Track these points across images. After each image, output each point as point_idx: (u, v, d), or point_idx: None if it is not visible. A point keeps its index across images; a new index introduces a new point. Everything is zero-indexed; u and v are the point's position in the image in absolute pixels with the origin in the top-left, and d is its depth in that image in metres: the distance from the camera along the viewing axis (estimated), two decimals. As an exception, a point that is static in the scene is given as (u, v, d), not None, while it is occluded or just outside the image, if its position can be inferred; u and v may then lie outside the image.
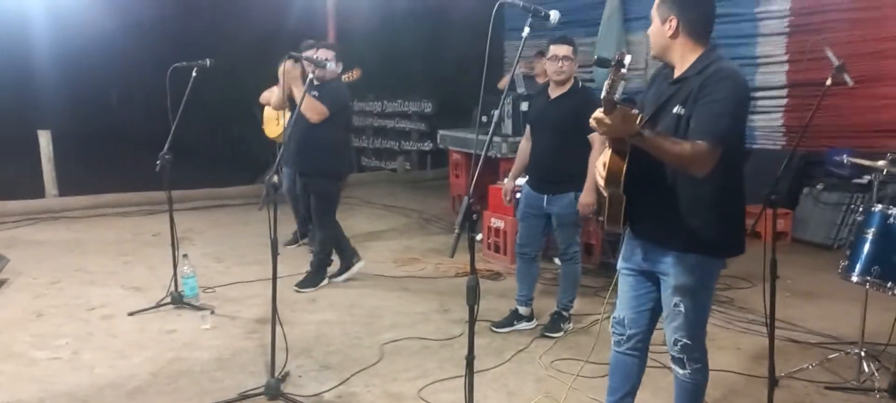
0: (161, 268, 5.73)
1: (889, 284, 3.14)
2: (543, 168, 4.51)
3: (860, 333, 3.98)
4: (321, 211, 5.49)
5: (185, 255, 5.14)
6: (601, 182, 2.67)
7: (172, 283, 5.06)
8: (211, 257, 6.42)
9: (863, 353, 3.92)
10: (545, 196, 4.48)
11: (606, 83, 2.38)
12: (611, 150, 2.60)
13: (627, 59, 2.37)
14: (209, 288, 5.44)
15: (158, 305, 4.99)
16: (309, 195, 5.52)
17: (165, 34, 8.50)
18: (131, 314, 4.87)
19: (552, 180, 4.46)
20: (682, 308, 2.73)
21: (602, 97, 2.40)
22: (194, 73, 4.95)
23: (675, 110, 2.62)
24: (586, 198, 4.30)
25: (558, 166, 4.42)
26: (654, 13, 2.73)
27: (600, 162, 2.71)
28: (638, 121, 2.44)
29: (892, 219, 3.21)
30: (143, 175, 7.12)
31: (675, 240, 2.69)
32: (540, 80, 6.93)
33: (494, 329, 4.63)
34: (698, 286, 2.72)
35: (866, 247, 3.25)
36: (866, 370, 3.86)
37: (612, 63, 2.37)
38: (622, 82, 2.42)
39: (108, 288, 5.50)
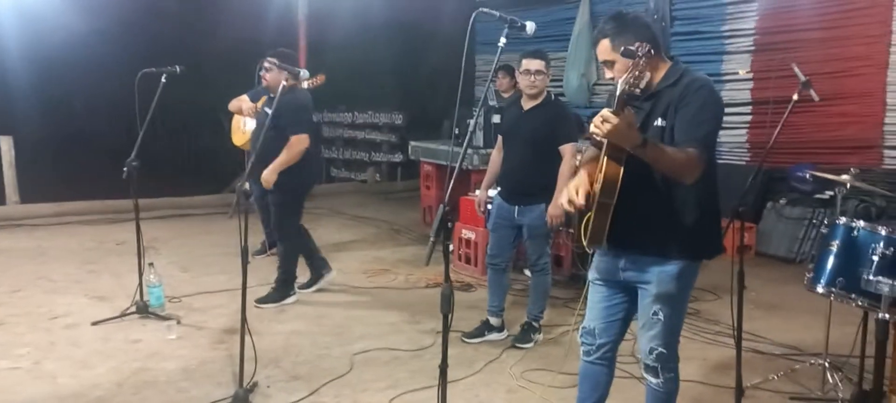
0: (126, 277, 5.64)
1: (853, 295, 3.20)
2: (515, 179, 4.54)
3: (824, 344, 4.07)
4: (281, 222, 5.34)
5: (151, 264, 5.07)
6: (578, 193, 2.66)
7: (138, 292, 4.98)
8: (177, 266, 6.33)
9: (827, 364, 4.00)
10: (516, 207, 4.50)
11: (625, 78, 2.38)
12: (607, 158, 2.56)
13: (643, 50, 2.39)
14: (175, 297, 5.35)
15: (123, 314, 4.90)
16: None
17: (133, 39, 8.38)
18: (95, 323, 4.78)
19: (523, 191, 4.49)
20: (660, 316, 2.76)
21: (618, 93, 2.41)
22: (163, 80, 4.89)
23: (656, 123, 2.67)
24: (555, 209, 4.33)
25: (530, 177, 4.45)
26: (614, 53, 2.70)
27: (579, 180, 2.71)
28: None
29: (856, 232, 3.28)
30: (107, 183, 7.01)
31: (661, 248, 2.73)
32: (505, 96, 6.98)
33: (465, 339, 4.63)
34: (678, 294, 2.77)
35: (831, 259, 3.31)
36: (830, 380, 3.93)
37: (639, 55, 2.37)
38: (647, 75, 2.43)
39: (71, 296, 5.39)
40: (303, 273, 5.61)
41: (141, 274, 4.98)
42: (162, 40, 8.41)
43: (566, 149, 4.38)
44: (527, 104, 4.50)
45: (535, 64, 4.38)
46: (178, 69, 4.90)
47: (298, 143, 5.04)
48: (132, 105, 4.86)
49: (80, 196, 8.46)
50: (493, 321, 4.70)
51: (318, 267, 5.69)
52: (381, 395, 3.84)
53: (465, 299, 5.59)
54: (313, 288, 5.63)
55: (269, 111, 4.96)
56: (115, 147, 6.01)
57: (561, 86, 9.35)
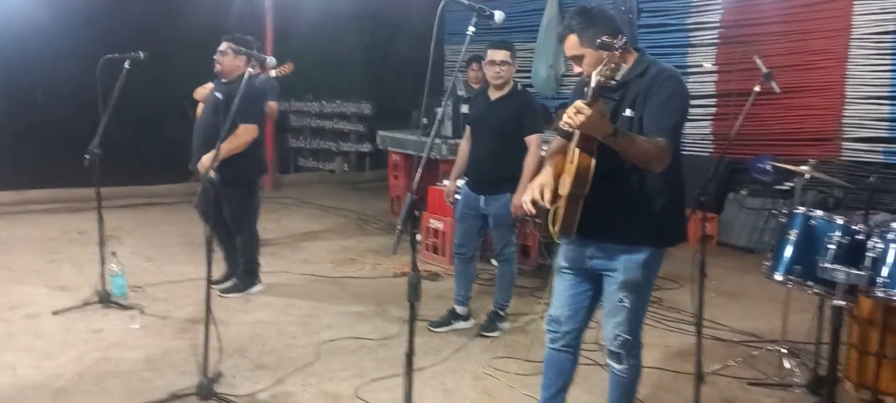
0: (88, 267, 5.55)
1: (810, 283, 3.29)
2: (481, 169, 4.56)
3: (781, 331, 4.17)
4: (235, 214, 5.16)
5: (113, 253, 5.00)
6: (543, 195, 2.69)
7: (100, 282, 4.91)
8: (140, 256, 6.25)
9: (784, 350, 4.11)
10: (482, 196, 4.53)
11: (600, 70, 2.41)
12: (578, 150, 2.59)
13: (620, 42, 2.42)
14: (138, 287, 5.29)
15: (85, 304, 4.84)
16: (219, 201, 5.04)
17: (95, 25, 8.19)
18: (56, 313, 4.70)
19: (489, 181, 4.51)
20: (626, 303, 2.81)
21: (593, 85, 2.44)
22: (126, 66, 4.81)
23: (625, 113, 2.71)
24: (519, 199, 4.35)
25: (496, 167, 4.47)
26: (582, 48, 2.74)
27: (544, 177, 2.74)
28: None
29: (813, 222, 3.36)
30: (69, 171, 6.90)
31: (629, 236, 2.77)
32: (475, 86, 7.00)
33: (432, 328, 4.65)
34: (644, 281, 2.83)
35: (789, 248, 3.39)
36: (787, 366, 4.04)
37: (616, 47, 2.40)
38: (624, 66, 2.46)
39: (31, 286, 5.29)
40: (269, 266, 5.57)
41: (103, 264, 4.91)
42: (125, 26, 8.25)
43: (531, 140, 4.41)
44: (494, 94, 4.52)
45: (500, 54, 4.40)
46: (141, 55, 4.82)
47: (246, 134, 4.90)
48: (94, 92, 4.78)
49: (41, 184, 8.30)
50: (460, 310, 4.73)
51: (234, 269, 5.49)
52: (347, 384, 3.84)
53: (433, 288, 5.61)
54: (223, 286, 5.33)
55: (219, 95, 4.92)
56: (76, 134, 5.88)
57: (529, 77, 9.40)
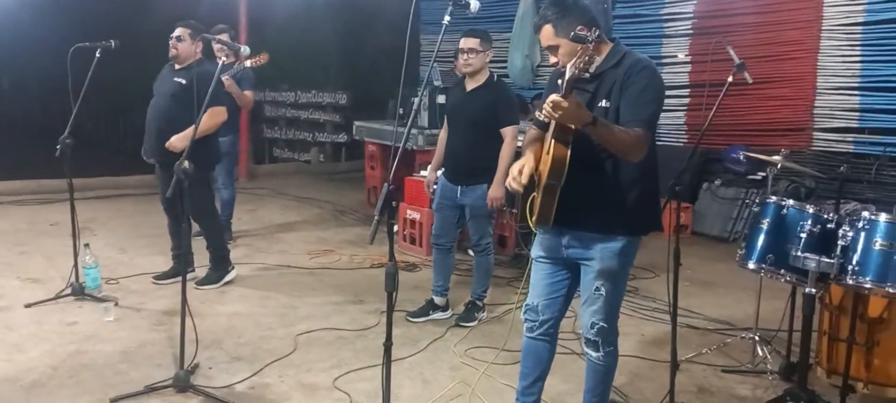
0: (60, 259, 5.47)
1: (782, 271, 3.33)
2: (458, 160, 4.57)
3: (754, 319, 4.24)
4: (196, 202, 4.86)
5: (86, 245, 4.93)
6: (522, 174, 2.70)
7: (73, 274, 4.84)
8: (114, 247, 6.18)
9: (757, 338, 4.17)
10: (459, 187, 4.53)
11: (574, 62, 2.43)
12: (554, 141, 2.61)
13: (593, 35, 2.43)
14: (112, 279, 5.23)
15: (58, 297, 4.77)
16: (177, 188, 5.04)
17: (65, 13, 8.07)
18: (28, 306, 4.64)
19: (466, 172, 4.52)
20: (603, 291, 2.84)
21: (567, 78, 2.46)
22: (98, 55, 4.75)
23: (601, 104, 2.73)
24: (495, 191, 4.38)
25: (472, 158, 4.48)
26: (557, 38, 2.75)
27: (524, 160, 2.75)
28: None
29: (785, 211, 3.40)
30: (39, 162, 6.80)
31: (605, 225, 2.80)
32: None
33: (410, 318, 4.66)
34: (620, 270, 2.85)
35: (761, 237, 3.43)
36: (760, 353, 4.10)
37: (590, 41, 2.42)
38: (597, 59, 2.47)
39: (2, 279, 5.21)
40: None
41: (76, 256, 4.84)
42: (96, 14, 8.14)
43: (507, 132, 4.42)
44: (469, 85, 4.52)
45: (468, 42, 4.39)
46: (113, 44, 4.76)
47: (219, 115, 4.90)
48: (65, 81, 4.71)
49: (10, 175, 8.17)
50: (438, 300, 4.74)
51: (186, 264, 5.41)
52: (325, 375, 3.83)
53: (410, 279, 5.61)
54: (169, 281, 5.21)
55: (180, 80, 4.85)
56: (47, 125, 5.82)
57: (505, 68, 9.41)
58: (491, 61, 4.56)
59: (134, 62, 8.05)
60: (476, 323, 4.65)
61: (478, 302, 4.72)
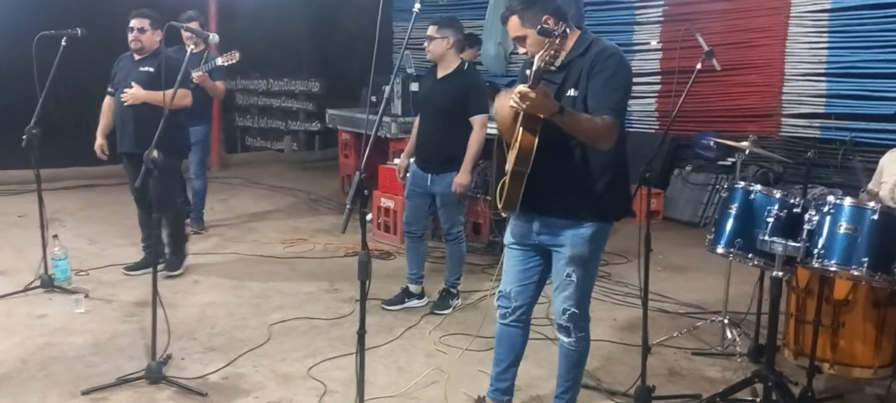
0: (28, 251, 5.39)
1: (750, 256, 3.39)
2: (428, 148, 4.57)
3: (724, 303, 4.31)
4: (163, 191, 4.97)
5: (55, 236, 4.87)
6: (506, 164, 2.72)
7: (42, 266, 4.78)
8: (84, 239, 6.10)
9: (726, 321, 4.24)
10: (429, 175, 4.55)
11: (541, 55, 2.45)
12: (522, 129, 2.64)
13: (559, 30, 2.45)
14: (82, 270, 5.17)
15: (27, 289, 4.71)
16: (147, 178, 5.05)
17: (29, 1, 7.92)
18: (-4, 299, 4.57)
19: (436, 160, 4.53)
20: (574, 278, 2.87)
21: (534, 70, 2.48)
22: (63, 43, 4.68)
23: (569, 93, 2.75)
24: (462, 178, 4.39)
25: (442, 146, 4.48)
26: (524, 29, 2.78)
27: (503, 113, 2.76)
28: None
29: (753, 195, 3.45)
30: (5, 153, 6.67)
31: (574, 211, 2.82)
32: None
33: (385, 306, 4.67)
34: (591, 256, 2.88)
35: (730, 222, 3.48)
36: (729, 336, 4.18)
37: (556, 34, 2.43)
38: (564, 52, 2.49)
39: (-32, 272, 5.13)
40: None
41: (44, 247, 4.78)
42: (61, 2, 7.97)
43: (476, 120, 4.42)
44: (439, 72, 4.52)
45: (429, 30, 4.41)
46: (79, 32, 4.69)
47: (185, 97, 4.87)
48: (30, 70, 4.63)
49: (-26, 166, 8.01)
50: (413, 288, 4.75)
51: (157, 255, 5.41)
52: (299, 364, 3.83)
53: (384, 267, 5.61)
54: (140, 272, 5.17)
55: (148, 69, 4.80)
56: (12, 114, 5.70)
57: (478, 56, 9.40)
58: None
59: (102, 50, 7.91)
60: (450, 310, 4.68)
61: (451, 290, 4.74)
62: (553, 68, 2.53)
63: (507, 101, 2.73)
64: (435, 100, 4.52)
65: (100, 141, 5.24)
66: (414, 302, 4.74)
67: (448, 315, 4.62)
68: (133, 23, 4.90)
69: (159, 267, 5.19)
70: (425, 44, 4.44)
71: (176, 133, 4.87)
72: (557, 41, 2.45)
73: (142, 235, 5.27)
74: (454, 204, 4.59)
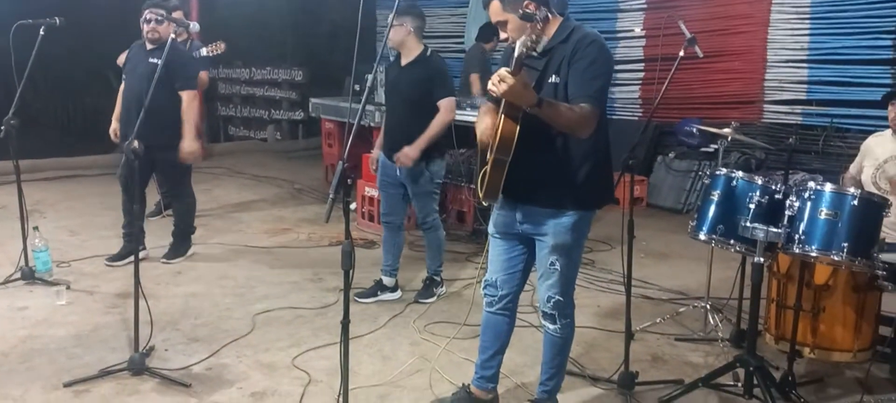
0: (8, 243, 5.33)
1: (732, 242, 3.41)
2: (395, 137, 4.44)
3: (706, 289, 4.34)
4: (176, 181, 5.27)
5: (35, 228, 4.82)
6: (488, 153, 2.71)
7: (22, 258, 4.73)
8: (65, 230, 6.05)
9: (708, 307, 4.28)
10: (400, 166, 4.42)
11: (523, 40, 2.44)
12: (504, 117, 2.63)
13: (541, 15, 2.44)
14: (64, 262, 5.13)
15: (7, 281, 4.66)
16: (152, 168, 5.12)
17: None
18: (-25, 292, 4.53)
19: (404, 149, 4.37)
20: (557, 266, 2.87)
21: (516, 55, 2.47)
22: (42, 32, 4.62)
23: (550, 80, 2.74)
24: (412, 151, 4.27)
25: (408, 135, 4.33)
26: (506, 14, 2.76)
27: (483, 126, 2.76)
28: None
29: (735, 182, 3.47)
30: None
31: (556, 200, 2.82)
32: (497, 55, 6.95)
33: (358, 299, 4.58)
34: (574, 244, 2.88)
35: (712, 209, 3.50)
36: (711, 322, 4.21)
37: (537, 19, 2.42)
38: (544, 38, 2.48)
39: (-53, 265, 5.06)
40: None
41: (25, 239, 4.73)
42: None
43: (443, 104, 4.32)
44: (403, 60, 4.43)
45: (389, 18, 4.27)
46: (57, 21, 4.63)
47: (195, 99, 5.04)
48: (8, 59, 4.58)
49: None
50: (387, 281, 4.68)
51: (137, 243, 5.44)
52: (283, 354, 3.82)
53: (369, 256, 5.60)
54: (122, 262, 5.15)
55: (156, 61, 4.78)
56: (-10, 105, 5.63)
57: (462, 41, 9.39)
58: (448, 35, 4.52)
59: (81, 39, 7.84)
60: (435, 298, 4.67)
61: (435, 278, 4.73)
62: (535, 54, 2.51)
63: (484, 119, 2.78)
64: (400, 88, 4.43)
65: (114, 125, 5.30)
66: (387, 296, 4.66)
67: (433, 303, 4.62)
68: (148, 14, 4.91)
69: (141, 254, 5.23)
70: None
71: (179, 124, 4.97)
72: (539, 26, 2.44)
73: (123, 221, 5.23)
74: (426, 192, 4.51)
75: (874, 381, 3.60)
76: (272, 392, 3.41)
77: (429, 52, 4.44)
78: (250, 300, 4.61)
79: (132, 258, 5.15)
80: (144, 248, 5.18)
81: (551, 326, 3.01)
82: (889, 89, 6.08)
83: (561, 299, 2.94)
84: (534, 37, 2.44)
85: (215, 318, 4.29)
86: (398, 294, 4.73)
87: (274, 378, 3.55)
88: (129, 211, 5.13)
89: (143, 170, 4.97)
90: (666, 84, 3.74)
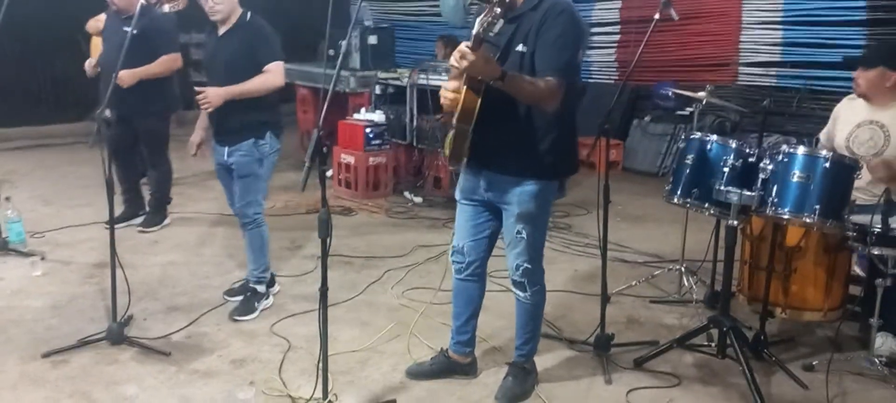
0: (-20, 214, 5.26)
1: (706, 205, 3.44)
2: (220, 116, 3.82)
3: (681, 252, 4.40)
4: (152, 149, 5.26)
5: (7, 198, 4.75)
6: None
7: (-5, 229, 4.68)
8: (38, 200, 5.97)
9: (683, 269, 4.34)
10: (226, 148, 3.88)
11: (481, 19, 2.43)
12: (466, 88, 2.64)
13: None
14: (38, 232, 5.07)
15: (-21, 253, 4.61)
16: (134, 136, 5.15)
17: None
18: (-53, 264, 4.47)
19: (228, 129, 3.86)
20: (523, 234, 2.89)
21: (474, 33, 2.46)
22: (7, -2, 4.51)
23: (517, 48, 2.72)
24: (218, 91, 3.71)
25: (234, 112, 3.77)
26: None
27: (447, 91, 2.76)
28: None
29: (709, 146, 3.50)
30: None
31: (520, 169, 2.82)
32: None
33: (227, 296, 4.12)
34: (538, 212, 2.89)
35: (686, 172, 3.53)
36: (686, 284, 4.28)
37: (493, 3, 2.41)
38: (500, 22, 2.47)
39: (-83, 237, 4.98)
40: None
41: (-3, 210, 4.67)
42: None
43: (272, 67, 3.82)
44: (221, 29, 3.87)
45: None
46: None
47: (174, 62, 5.01)
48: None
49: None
50: (259, 288, 4.01)
51: (138, 208, 5.48)
52: (263, 321, 3.83)
53: (346, 223, 5.61)
54: (136, 223, 5.29)
55: (131, 30, 4.69)
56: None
57: (437, 5, 9.31)
58: None
59: (48, 4, 7.65)
60: (256, 314, 3.89)
61: (257, 288, 3.98)
62: (492, 34, 2.48)
63: (450, 83, 2.76)
64: (219, 60, 3.83)
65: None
66: (264, 303, 4.00)
67: (252, 320, 3.85)
68: None
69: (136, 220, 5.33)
70: (207, 5, 3.76)
71: (164, 88, 5.05)
72: (498, 10, 2.42)
73: (122, 188, 5.30)
74: (250, 176, 3.86)
75: (844, 339, 3.69)
76: (252, 359, 3.43)
77: (248, 16, 3.89)
78: (229, 268, 4.60)
79: (133, 220, 5.30)
80: (145, 212, 5.36)
81: (522, 294, 3.04)
82: (849, 52, 6.15)
83: (529, 266, 2.96)
84: (490, 19, 2.42)
85: (193, 287, 4.28)
86: (270, 301, 4.07)
87: (254, 346, 3.56)
88: (125, 178, 5.28)
89: (126, 136, 4.96)
90: (641, 47, 3.74)
